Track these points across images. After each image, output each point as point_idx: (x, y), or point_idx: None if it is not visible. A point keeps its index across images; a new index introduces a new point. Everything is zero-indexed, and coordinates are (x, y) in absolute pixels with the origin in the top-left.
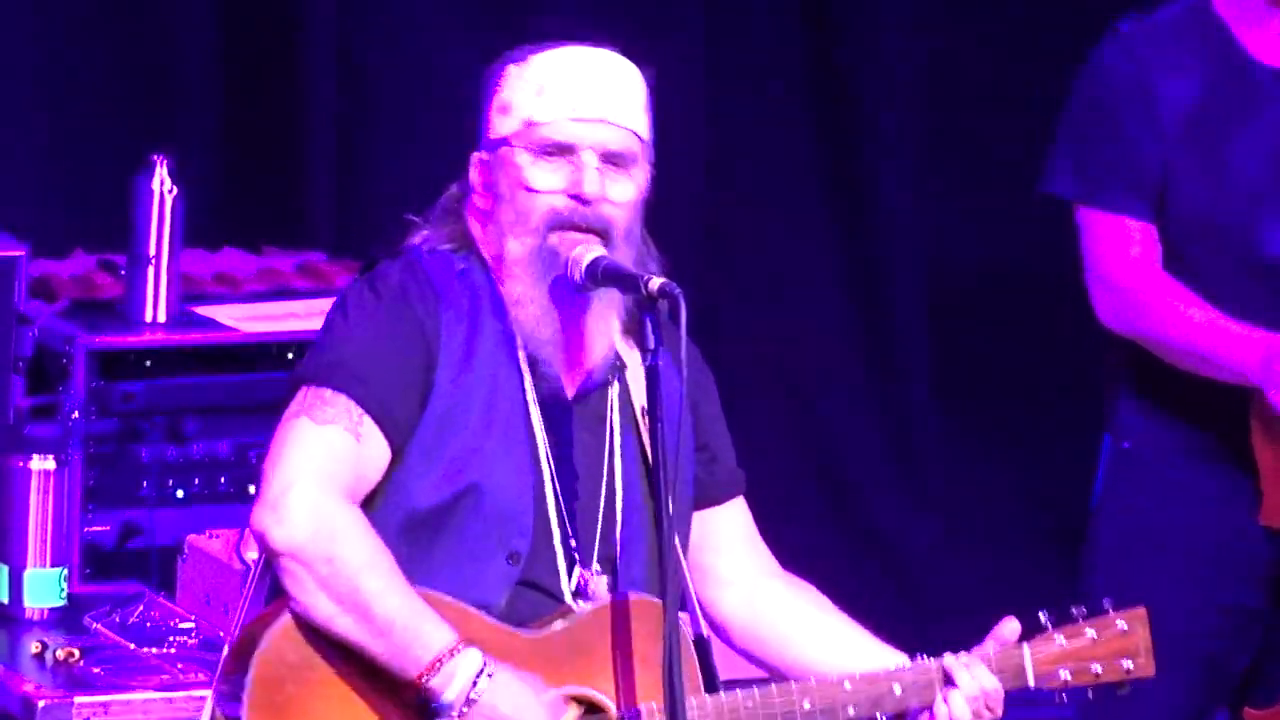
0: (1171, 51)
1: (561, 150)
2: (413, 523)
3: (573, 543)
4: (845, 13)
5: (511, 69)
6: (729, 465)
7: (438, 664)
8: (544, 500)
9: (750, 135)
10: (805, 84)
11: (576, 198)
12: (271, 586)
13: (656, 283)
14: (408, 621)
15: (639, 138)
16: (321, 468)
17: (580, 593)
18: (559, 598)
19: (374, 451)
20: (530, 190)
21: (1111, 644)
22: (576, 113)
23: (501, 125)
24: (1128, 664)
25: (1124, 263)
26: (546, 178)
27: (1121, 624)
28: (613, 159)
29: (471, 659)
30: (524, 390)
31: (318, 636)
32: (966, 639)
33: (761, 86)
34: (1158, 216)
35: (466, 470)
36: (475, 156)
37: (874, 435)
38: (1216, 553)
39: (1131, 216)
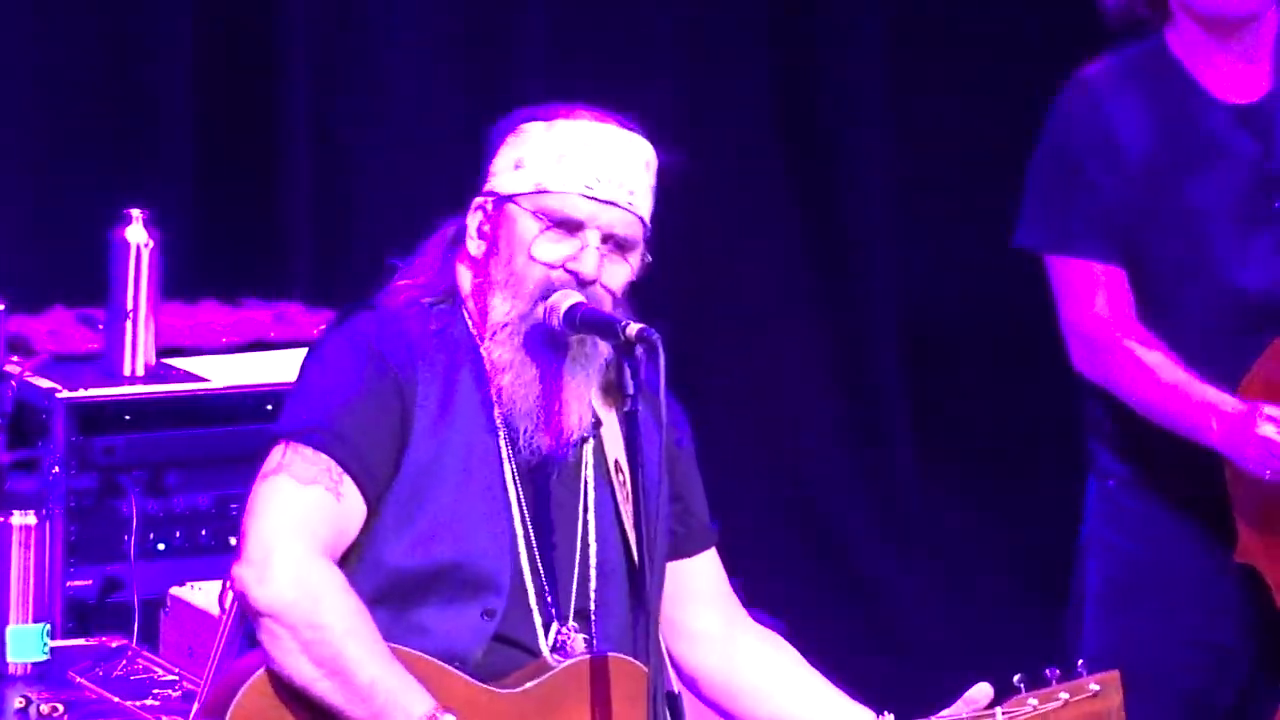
0: (1130, 93)
1: (568, 225)
2: (388, 581)
3: (549, 599)
4: (820, 54)
5: (535, 127)
6: (702, 518)
7: None
8: (519, 559)
9: (726, 177)
10: (781, 126)
11: (574, 275)
12: (246, 635)
13: (634, 328)
14: (389, 687)
15: (644, 223)
16: (303, 527)
17: (559, 649)
18: (536, 653)
19: (353, 509)
20: (530, 258)
21: (1083, 706)
22: (591, 190)
23: (512, 180)
24: None
25: (1094, 313)
26: (549, 249)
27: (1094, 686)
28: (616, 242)
29: None
30: (500, 449)
31: (291, 694)
32: (946, 685)
33: (738, 130)
34: (1128, 259)
35: (443, 535)
36: (477, 202)
37: (854, 481)
38: (1198, 591)
39: (1100, 261)
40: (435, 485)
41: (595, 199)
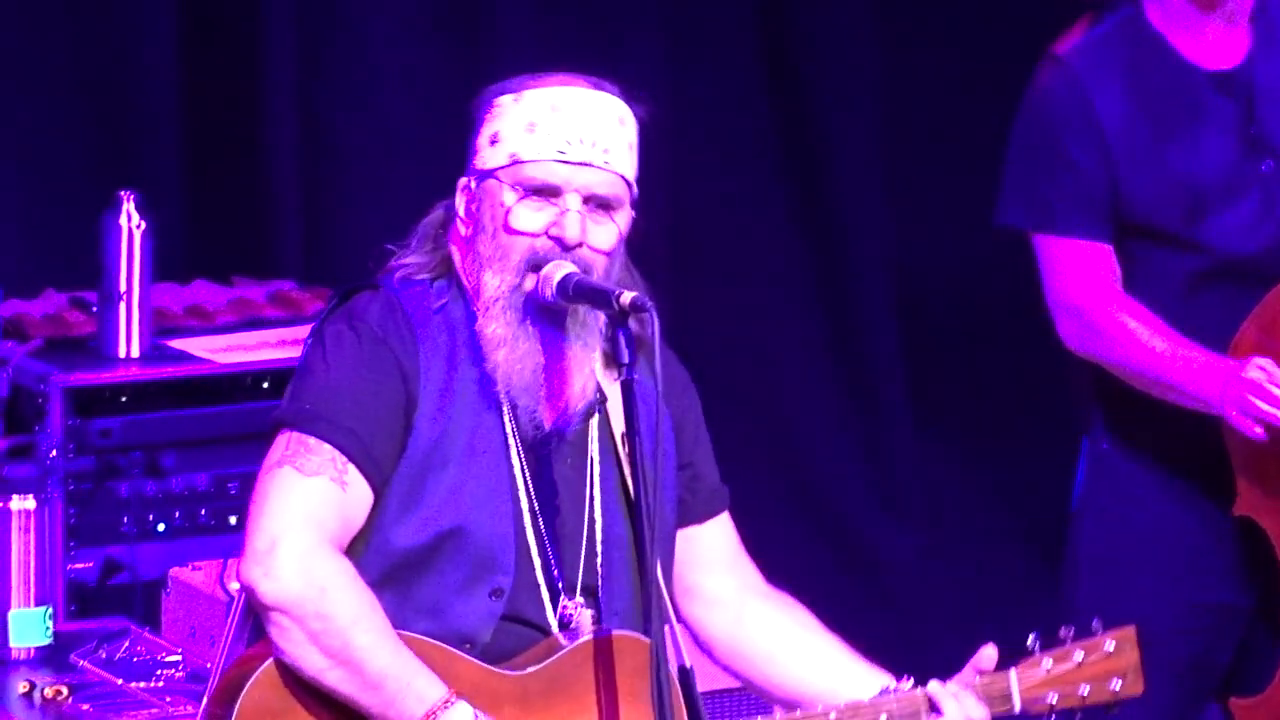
0: (1107, 66)
1: (546, 191)
2: (395, 563)
3: (555, 575)
4: (806, 22)
5: (505, 100)
6: (712, 482)
7: (430, 718)
8: (524, 536)
9: (717, 152)
10: (771, 101)
11: (558, 241)
12: (255, 625)
13: (628, 297)
14: (399, 675)
15: (625, 181)
16: (309, 519)
17: (566, 625)
18: (545, 630)
19: (358, 497)
20: (512, 230)
21: (1099, 665)
22: (564, 154)
23: (490, 157)
24: (1116, 684)
25: (1082, 287)
26: (529, 218)
27: (1110, 644)
28: (597, 202)
29: (462, 713)
30: (504, 426)
31: (300, 684)
32: (948, 652)
33: (723, 99)
34: (1113, 231)
35: (448, 512)
36: (462, 183)
37: (852, 452)
38: (1193, 552)
39: (1085, 239)
40: (440, 466)
41: (569, 162)
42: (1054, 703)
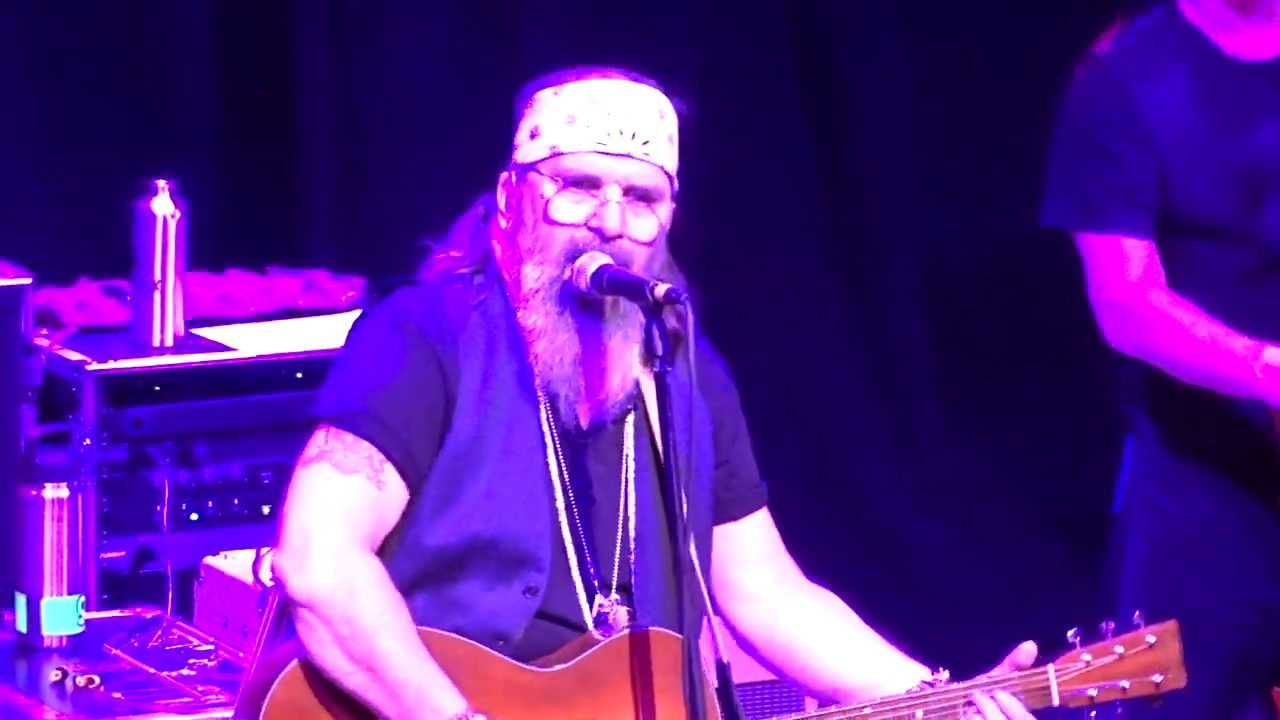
0: (1150, 61)
1: (586, 183)
2: (428, 561)
3: (591, 572)
4: (840, 16)
5: (545, 93)
6: (750, 479)
7: None
8: (560, 533)
9: (748, 140)
10: (802, 88)
11: (598, 232)
12: (289, 625)
13: (662, 289)
14: (420, 685)
15: (665, 173)
16: (343, 517)
17: (601, 622)
18: (579, 627)
19: (394, 496)
20: (552, 221)
21: (1140, 659)
22: (604, 146)
23: (530, 150)
24: (1157, 678)
25: (1126, 284)
26: (569, 209)
27: (1151, 638)
28: (637, 194)
29: None
30: (540, 423)
31: (326, 685)
32: (976, 640)
33: (754, 90)
34: (1160, 227)
35: (483, 511)
36: (503, 177)
37: (880, 439)
38: (1243, 548)
39: (1129, 235)
40: (476, 464)
41: (609, 153)
42: (1094, 696)
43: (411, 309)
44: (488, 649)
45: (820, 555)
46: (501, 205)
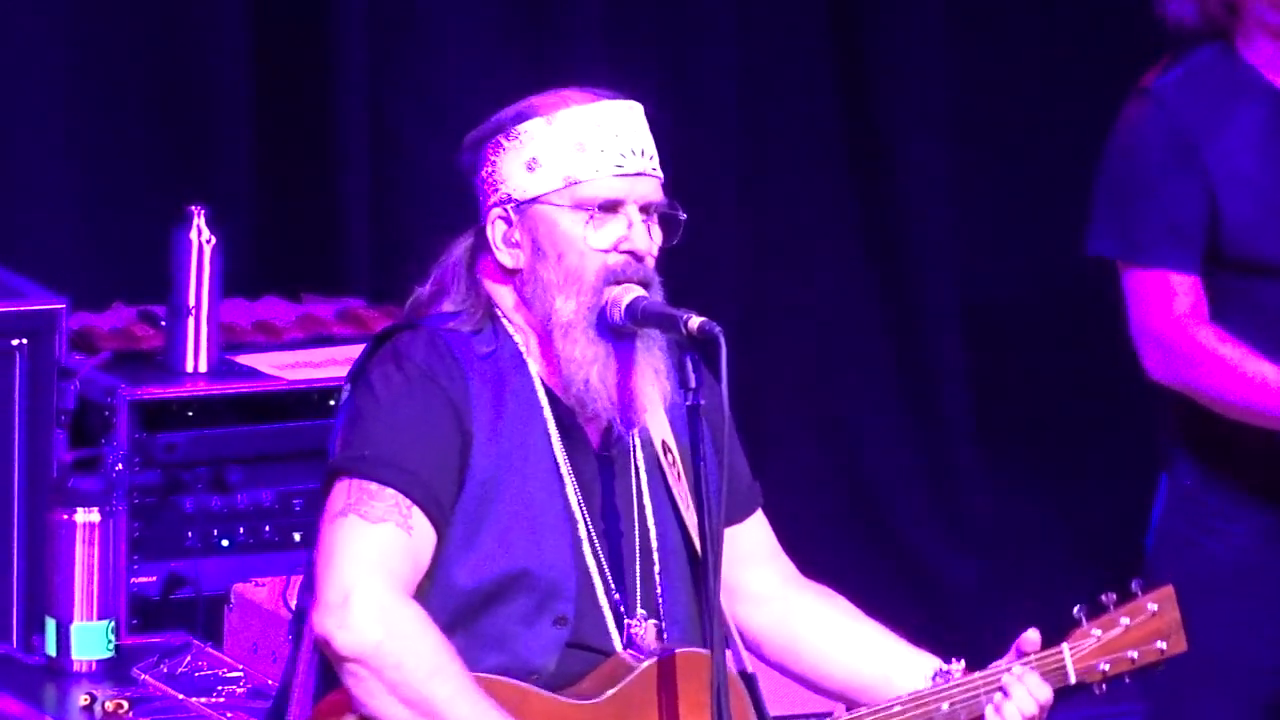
0: (1205, 97)
1: (610, 207)
2: (460, 602)
3: (617, 596)
4: (879, 36)
5: (532, 125)
6: (746, 480)
7: None
8: (584, 560)
9: (784, 158)
10: (839, 107)
11: (630, 254)
12: (323, 666)
13: (696, 322)
14: None
15: (662, 182)
16: (379, 567)
17: (631, 643)
18: (609, 651)
19: (424, 539)
20: (584, 250)
21: (1145, 627)
22: (622, 168)
23: (533, 182)
24: (1161, 645)
25: (1172, 319)
26: (598, 236)
27: (1152, 606)
28: (651, 209)
29: None
30: (554, 453)
31: None
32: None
33: (792, 105)
34: (1211, 263)
35: (509, 548)
36: (495, 214)
37: (914, 465)
38: (1277, 586)
39: (1175, 271)
40: (497, 499)
41: (627, 174)
42: (1106, 670)
43: (415, 350)
44: (528, 685)
45: (852, 586)
46: (499, 243)
